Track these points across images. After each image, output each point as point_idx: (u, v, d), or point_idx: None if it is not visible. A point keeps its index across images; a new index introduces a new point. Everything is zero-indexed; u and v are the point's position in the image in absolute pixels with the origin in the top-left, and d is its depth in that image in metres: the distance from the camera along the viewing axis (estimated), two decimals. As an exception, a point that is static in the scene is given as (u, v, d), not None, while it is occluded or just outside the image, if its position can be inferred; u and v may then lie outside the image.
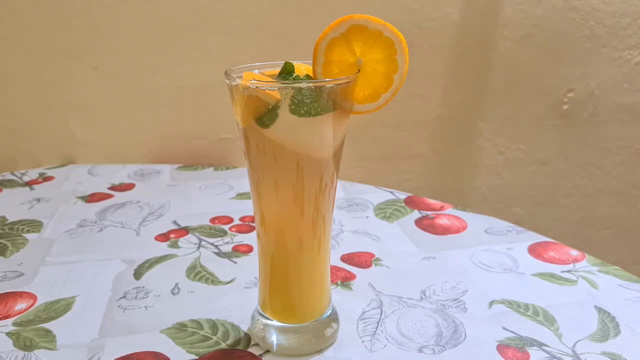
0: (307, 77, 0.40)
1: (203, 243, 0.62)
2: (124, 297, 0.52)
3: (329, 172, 0.41)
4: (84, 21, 0.84)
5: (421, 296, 0.51)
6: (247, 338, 0.46)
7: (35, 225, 0.67)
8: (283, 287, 0.44)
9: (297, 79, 0.39)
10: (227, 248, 0.61)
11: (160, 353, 0.44)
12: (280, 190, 0.40)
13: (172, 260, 0.58)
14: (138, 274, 0.56)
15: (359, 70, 0.40)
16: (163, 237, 0.63)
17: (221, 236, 0.64)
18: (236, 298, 0.51)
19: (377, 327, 0.47)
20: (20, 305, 0.50)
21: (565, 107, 1.04)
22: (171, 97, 0.90)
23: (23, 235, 0.64)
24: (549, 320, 0.48)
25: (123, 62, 0.87)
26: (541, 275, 0.55)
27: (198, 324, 0.47)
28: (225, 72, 0.40)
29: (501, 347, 0.44)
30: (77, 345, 0.45)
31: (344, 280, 0.54)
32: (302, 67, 0.40)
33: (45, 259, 0.59)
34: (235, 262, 0.58)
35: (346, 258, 0.59)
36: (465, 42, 0.96)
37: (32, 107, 0.88)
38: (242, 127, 0.40)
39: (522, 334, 0.46)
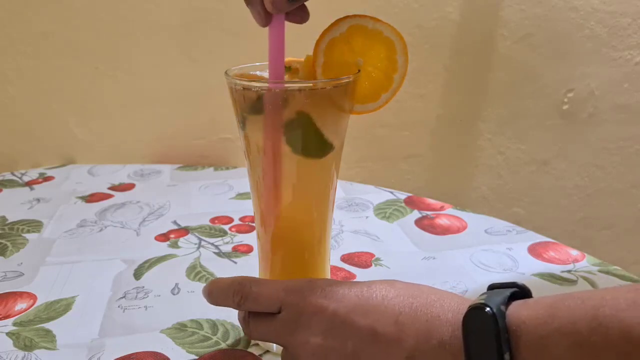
0: None
1: (203, 243, 0.62)
2: (124, 297, 0.52)
3: (329, 172, 0.41)
4: (84, 21, 0.84)
5: (421, 296, 0.51)
6: (247, 338, 0.46)
7: (35, 225, 0.67)
8: (283, 287, 0.44)
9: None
10: (227, 248, 0.61)
11: (160, 353, 0.44)
12: (280, 190, 0.40)
13: (172, 260, 0.58)
14: (138, 274, 0.56)
15: (359, 70, 0.40)
16: (163, 237, 0.63)
17: (221, 236, 0.64)
18: (236, 298, 0.51)
19: (377, 327, 0.47)
20: (20, 305, 0.50)
21: (565, 107, 1.04)
22: (171, 97, 0.90)
23: (23, 235, 0.64)
24: (549, 320, 0.48)
25: (123, 62, 0.87)
26: (541, 275, 0.55)
27: (198, 324, 0.47)
28: (225, 72, 0.40)
29: (501, 347, 0.44)
30: (77, 345, 0.45)
31: (344, 280, 0.54)
32: (294, 61, 0.40)
33: (45, 259, 0.59)
34: (235, 262, 0.58)
35: (346, 258, 0.59)
36: (465, 42, 0.96)
37: (32, 107, 0.88)
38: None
39: (522, 334, 0.46)
